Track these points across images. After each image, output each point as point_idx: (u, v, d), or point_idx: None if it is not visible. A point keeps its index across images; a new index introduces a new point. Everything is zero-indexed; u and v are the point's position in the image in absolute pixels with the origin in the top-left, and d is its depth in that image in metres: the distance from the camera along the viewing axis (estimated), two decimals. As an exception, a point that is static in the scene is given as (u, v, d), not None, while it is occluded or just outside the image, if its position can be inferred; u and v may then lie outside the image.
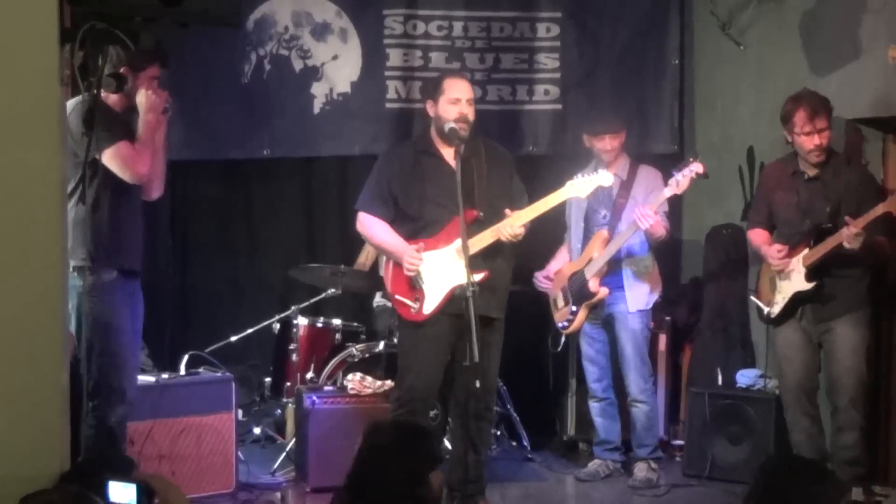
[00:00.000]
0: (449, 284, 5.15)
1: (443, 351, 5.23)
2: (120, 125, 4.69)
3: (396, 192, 5.27)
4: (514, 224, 5.13)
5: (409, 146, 5.49)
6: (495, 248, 5.18)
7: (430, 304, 5.18)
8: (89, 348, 4.46)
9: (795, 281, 5.33)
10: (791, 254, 5.36)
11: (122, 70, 4.60)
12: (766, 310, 5.50)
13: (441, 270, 5.18)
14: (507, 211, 5.19)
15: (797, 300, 5.36)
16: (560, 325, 6.13)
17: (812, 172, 5.37)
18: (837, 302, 5.31)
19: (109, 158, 4.58)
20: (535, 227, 5.42)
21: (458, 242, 5.12)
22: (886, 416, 5.71)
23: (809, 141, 5.28)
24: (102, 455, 4.31)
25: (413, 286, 5.21)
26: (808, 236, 5.29)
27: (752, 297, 5.63)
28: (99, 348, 4.55)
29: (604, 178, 5.32)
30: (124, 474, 3.43)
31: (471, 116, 5.20)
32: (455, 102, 5.19)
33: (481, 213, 5.10)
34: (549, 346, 6.53)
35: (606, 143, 5.96)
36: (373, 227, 5.32)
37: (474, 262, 5.03)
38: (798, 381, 5.44)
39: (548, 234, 6.83)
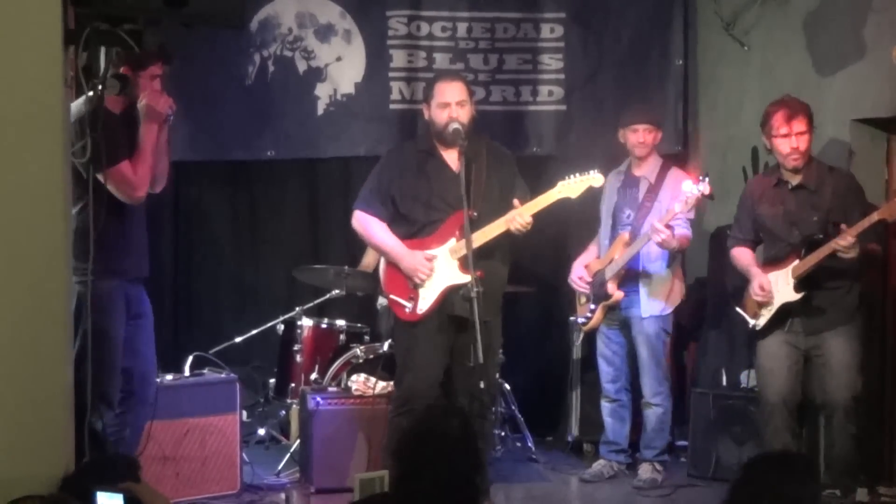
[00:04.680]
0: (442, 285, 5.17)
1: (439, 350, 5.23)
2: (120, 141, 4.63)
3: (395, 193, 5.27)
4: (524, 214, 5.13)
5: (411, 146, 5.49)
6: (490, 250, 5.16)
7: (424, 305, 5.19)
8: (81, 353, 4.46)
9: (783, 292, 5.26)
10: (780, 266, 5.30)
11: (122, 69, 4.59)
12: (750, 322, 5.42)
13: (435, 271, 5.18)
14: (516, 202, 5.19)
15: (785, 311, 5.29)
16: (580, 320, 6.17)
17: (795, 180, 5.29)
18: (827, 314, 5.24)
19: (108, 180, 4.53)
20: (543, 226, 5.41)
21: (452, 242, 5.15)
22: (892, 418, 5.69)
23: (786, 143, 5.21)
24: (106, 457, 4.31)
25: (409, 286, 5.22)
26: (799, 247, 5.23)
27: (738, 309, 5.52)
28: (90, 356, 4.54)
29: (594, 179, 5.30)
30: (128, 476, 3.44)
31: (462, 118, 5.18)
32: (444, 107, 5.19)
33: (475, 213, 5.08)
34: (570, 341, 6.58)
35: (640, 135, 5.97)
36: (370, 227, 5.31)
37: (467, 264, 5.06)
38: (783, 397, 5.35)
39: (551, 235, 6.85)
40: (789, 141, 5.21)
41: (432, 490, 3.15)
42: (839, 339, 5.23)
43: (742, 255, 5.55)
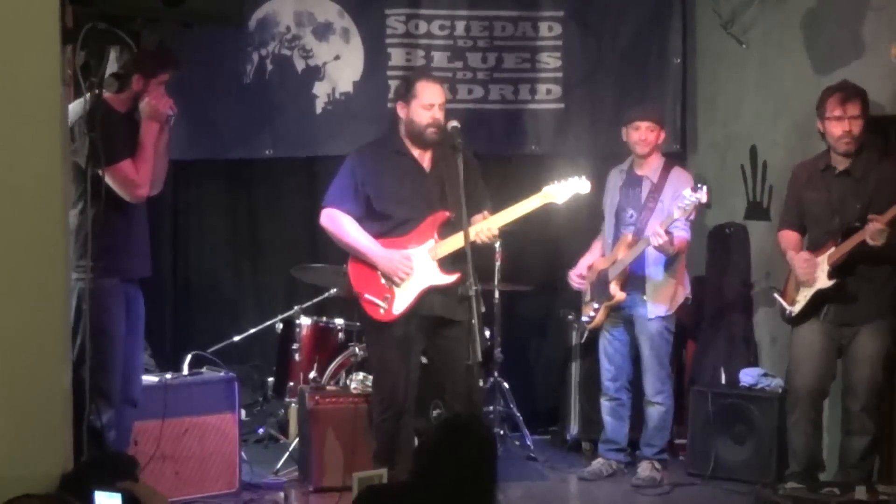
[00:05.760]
0: (421, 285, 5.14)
1: (415, 351, 5.22)
2: (122, 139, 4.66)
3: (369, 191, 5.22)
4: (491, 226, 5.11)
5: (378, 146, 5.41)
6: (463, 252, 5.06)
7: (401, 305, 5.14)
8: (81, 351, 4.47)
9: (819, 279, 5.27)
10: (818, 253, 5.30)
11: (134, 77, 4.61)
12: (787, 309, 5.42)
13: (414, 271, 5.16)
14: (486, 213, 5.18)
15: (819, 298, 5.28)
16: (584, 318, 6.18)
17: (843, 166, 5.27)
18: (862, 305, 5.23)
19: (109, 179, 4.56)
20: (541, 227, 5.40)
21: (431, 243, 5.14)
22: (891, 416, 5.68)
23: (838, 126, 5.20)
24: (104, 456, 4.31)
25: (383, 286, 5.17)
26: (836, 234, 5.22)
27: (776, 296, 5.53)
28: (90, 353, 4.55)
29: (581, 185, 5.29)
30: (126, 475, 3.44)
31: (442, 120, 5.17)
32: (428, 108, 5.16)
33: (453, 215, 5.07)
34: (573, 340, 6.57)
35: (642, 133, 5.97)
36: (343, 224, 5.22)
37: (445, 265, 5.06)
38: (809, 386, 5.36)
39: (549, 234, 6.85)
40: (842, 124, 5.20)
41: (453, 489, 3.18)
42: (871, 331, 5.24)
43: (787, 239, 5.55)
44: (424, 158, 5.24)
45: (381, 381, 5.29)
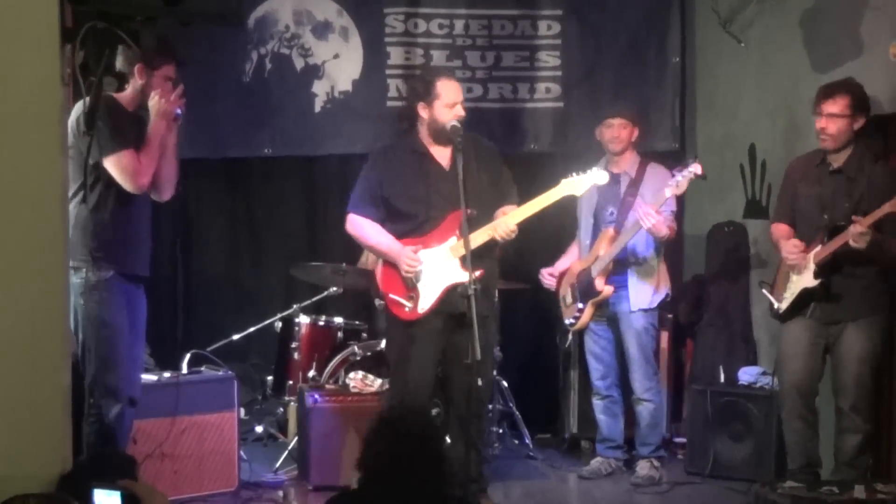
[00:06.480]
0: (444, 283, 5.16)
1: (434, 349, 5.23)
2: (127, 131, 4.68)
3: (388, 193, 5.25)
4: (508, 223, 5.13)
5: (397, 147, 5.45)
6: (486, 247, 5.17)
7: (425, 303, 5.18)
8: (84, 347, 4.49)
9: (805, 277, 5.28)
10: (806, 249, 5.31)
11: (136, 68, 4.63)
12: (775, 305, 5.44)
13: (436, 269, 5.18)
14: (506, 208, 5.19)
15: (805, 297, 5.30)
16: (567, 321, 6.15)
17: (836, 163, 5.29)
18: (849, 303, 5.24)
19: (111, 166, 4.61)
20: (540, 223, 5.40)
21: (453, 240, 5.16)
22: (889, 414, 5.69)
23: (817, 122, 5.25)
24: (103, 454, 4.32)
25: (407, 285, 5.21)
26: (824, 232, 5.24)
27: (764, 291, 5.55)
28: (94, 347, 4.57)
29: (599, 176, 5.31)
30: (125, 473, 3.44)
31: (464, 116, 5.20)
32: (452, 106, 5.19)
33: (473, 211, 5.08)
34: (558, 343, 6.54)
35: (614, 131, 5.97)
36: (364, 229, 5.30)
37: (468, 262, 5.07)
38: (796, 383, 5.38)
39: (548, 231, 6.85)
40: (819, 121, 5.25)
41: (398, 490, 3.17)
42: (858, 331, 5.24)
43: (778, 231, 5.56)
44: (444, 157, 5.25)
45: (397, 378, 5.32)
